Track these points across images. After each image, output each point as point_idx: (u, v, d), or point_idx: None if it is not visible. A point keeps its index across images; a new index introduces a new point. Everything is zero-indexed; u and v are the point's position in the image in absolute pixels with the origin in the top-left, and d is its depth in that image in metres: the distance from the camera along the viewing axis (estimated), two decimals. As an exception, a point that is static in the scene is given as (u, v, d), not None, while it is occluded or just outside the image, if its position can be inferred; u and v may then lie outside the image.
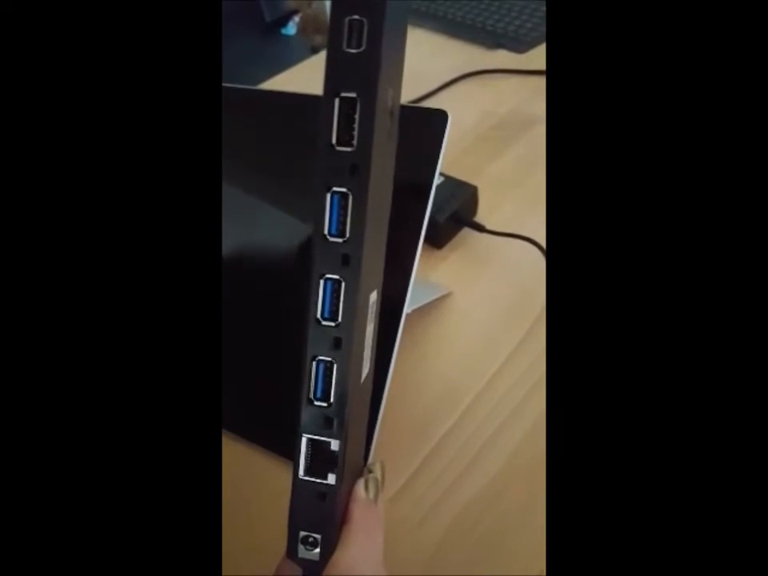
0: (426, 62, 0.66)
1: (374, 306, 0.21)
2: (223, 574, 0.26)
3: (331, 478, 0.20)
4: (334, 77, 0.18)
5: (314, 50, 1.22)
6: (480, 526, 0.32)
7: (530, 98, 0.59)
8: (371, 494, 0.22)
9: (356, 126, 0.18)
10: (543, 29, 0.67)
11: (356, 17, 0.17)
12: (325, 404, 0.19)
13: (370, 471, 0.22)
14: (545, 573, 0.28)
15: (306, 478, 0.20)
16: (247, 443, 0.36)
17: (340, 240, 0.18)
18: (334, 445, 0.20)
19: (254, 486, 0.34)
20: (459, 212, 0.45)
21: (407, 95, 0.60)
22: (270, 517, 0.22)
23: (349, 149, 0.18)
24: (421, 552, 0.31)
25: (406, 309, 0.32)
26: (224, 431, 0.36)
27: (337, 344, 0.19)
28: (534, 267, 0.42)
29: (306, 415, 0.20)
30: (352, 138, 0.18)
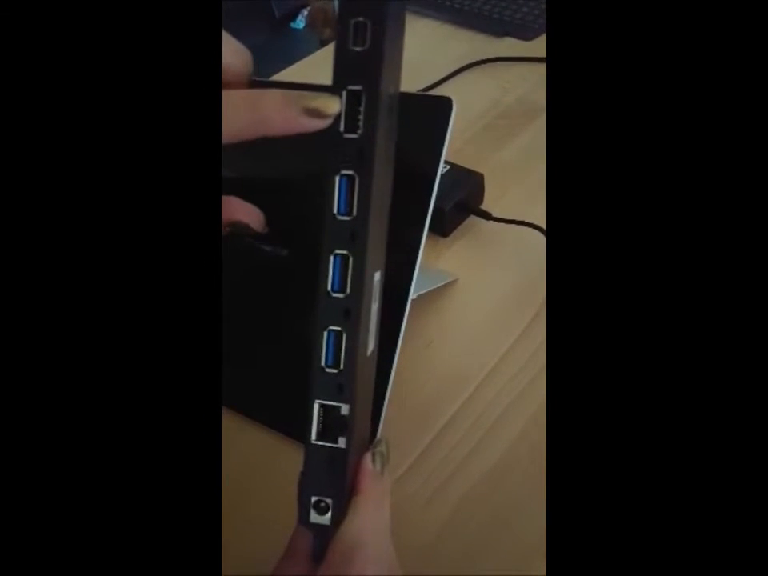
0: (434, 51, 0.66)
1: (378, 286, 0.22)
2: (234, 551, 0.27)
3: (342, 442, 0.21)
4: (341, 72, 0.20)
5: (323, 43, 1.23)
6: (487, 506, 0.32)
7: (536, 86, 0.59)
8: (378, 467, 0.22)
9: (361, 115, 0.20)
10: (550, 16, 0.67)
11: (360, 18, 0.19)
12: (335, 371, 0.21)
13: (376, 446, 0.23)
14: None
15: (318, 443, 0.21)
16: (262, 427, 0.37)
17: (348, 218, 0.20)
18: (344, 409, 0.21)
19: (269, 467, 0.35)
20: (465, 200, 0.45)
21: (415, 84, 0.60)
22: (283, 497, 0.23)
23: (355, 135, 0.20)
24: (428, 531, 0.32)
25: (412, 294, 0.33)
26: (238, 414, 0.37)
27: (346, 314, 0.20)
28: (539, 254, 0.42)
29: (317, 382, 0.21)
30: (358, 126, 0.20)
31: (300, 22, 2.01)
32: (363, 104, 0.20)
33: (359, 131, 0.20)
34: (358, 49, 0.19)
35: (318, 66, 0.69)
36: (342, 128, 0.20)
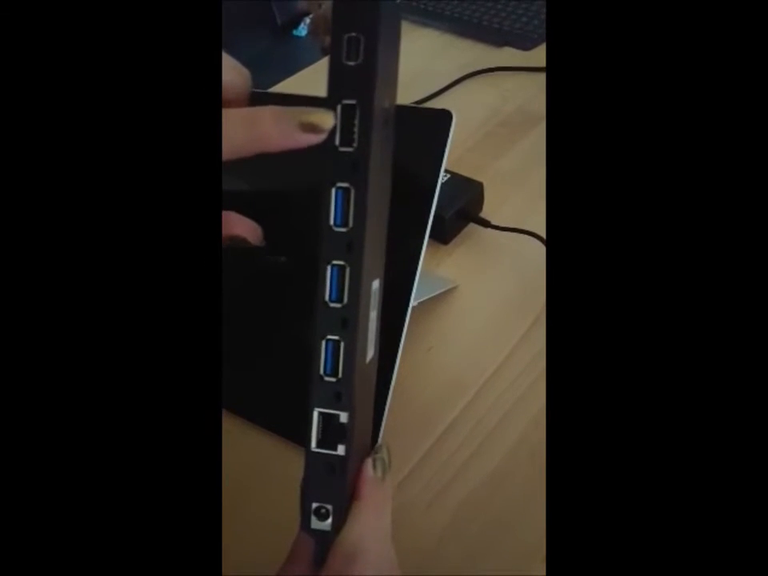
0: (434, 60, 0.67)
1: (377, 294, 0.23)
2: (234, 554, 0.27)
3: (341, 449, 0.21)
4: (335, 86, 0.20)
5: (325, 52, 1.23)
6: (487, 511, 0.33)
7: (536, 95, 0.60)
8: (379, 473, 0.23)
9: (356, 129, 0.20)
10: (550, 26, 0.67)
11: (353, 34, 0.19)
12: (334, 379, 0.21)
13: (377, 453, 0.23)
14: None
15: (318, 450, 0.21)
16: (264, 431, 0.37)
17: (344, 229, 0.20)
18: (343, 417, 0.21)
19: (269, 470, 0.35)
20: (465, 208, 0.46)
21: (417, 93, 0.61)
22: (283, 500, 0.24)
23: (350, 149, 0.20)
24: (429, 535, 0.32)
25: (413, 301, 0.33)
26: (239, 418, 0.37)
27: (344, 324, 0.20)
28: (538, 261, 0.43)
29: (316, 390, 0.21)
30: (353, 139, 0.20)
31: (302, 30, 2.01)
32: (358, 118, 0.20)
33: (354, 144, 0.20)
34: (351, 63, 0.19)
35: (319, 75, 0.70)
36: (337, 141, 0.20)
